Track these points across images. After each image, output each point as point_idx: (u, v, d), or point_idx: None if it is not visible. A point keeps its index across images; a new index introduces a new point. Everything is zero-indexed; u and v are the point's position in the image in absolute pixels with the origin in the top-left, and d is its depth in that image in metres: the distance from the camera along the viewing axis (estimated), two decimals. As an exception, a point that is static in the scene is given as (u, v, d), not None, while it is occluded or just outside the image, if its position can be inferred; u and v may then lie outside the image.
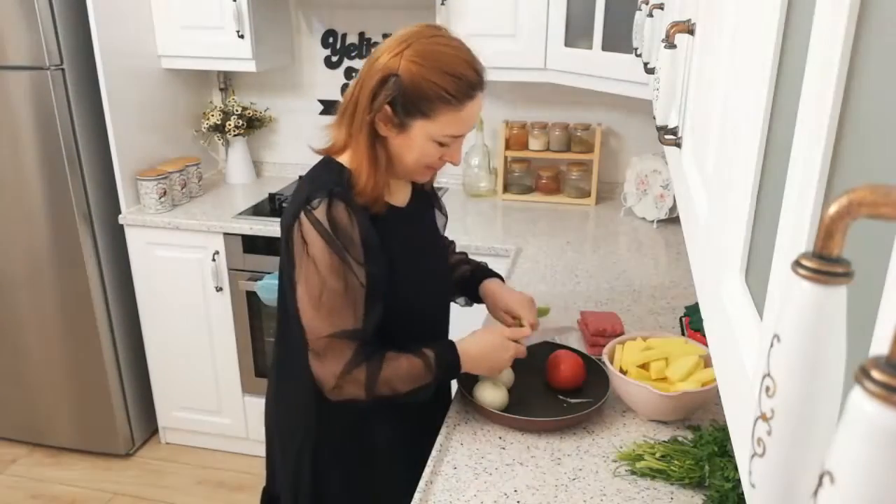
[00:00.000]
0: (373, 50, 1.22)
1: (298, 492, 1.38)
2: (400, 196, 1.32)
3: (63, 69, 2.34)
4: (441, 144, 1.20)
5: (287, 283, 1.26)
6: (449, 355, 1.28)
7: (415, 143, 1.18)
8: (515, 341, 1.35)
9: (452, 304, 1.56)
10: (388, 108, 1.15)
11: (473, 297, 1.54)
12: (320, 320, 1.18)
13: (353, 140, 1.20)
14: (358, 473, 1.37)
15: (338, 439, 1.35)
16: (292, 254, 1.19)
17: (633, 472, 1.22)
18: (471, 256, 2.21)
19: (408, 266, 1.28)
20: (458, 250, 1.66)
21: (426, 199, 1.43)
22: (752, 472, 0.32)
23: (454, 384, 1.44)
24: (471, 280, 1.54)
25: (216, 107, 2.91)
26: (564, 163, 2.74)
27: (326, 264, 1.15)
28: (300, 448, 1.35)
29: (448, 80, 1.14)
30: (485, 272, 1.56)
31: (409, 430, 1.39)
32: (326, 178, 1.21)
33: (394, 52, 1.15)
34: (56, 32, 2.30)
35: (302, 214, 1.16)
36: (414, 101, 1.14)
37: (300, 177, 1.34)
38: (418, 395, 1.25)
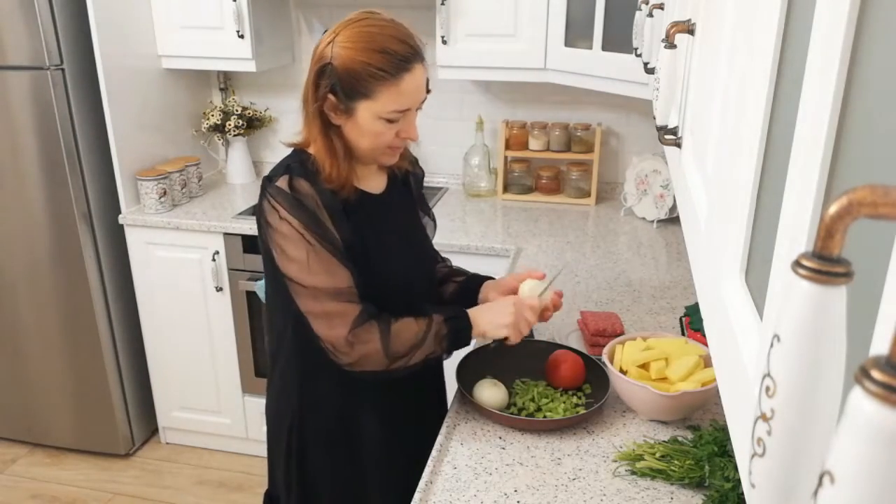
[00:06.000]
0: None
1: (290, 487, 1.40)
2: (373, 183, 1.34)
3: (63, 69, 2.34)
4: (390, 121, 1.21)
5: (269, 275, 1.28)
6: (453, 309, 1.31)
7: (364, 125, 1.21)
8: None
9: None
10: (331, 96, 1.19)
11: (470, 304, 1.50)
12: (318, 281, 1.19)
13: (310, 133, 1.25)
14: (345, 466, 1.39)
15: (324, 429, 1.37)
16: (266, 237, 1.22)
17: (633, 472, 1.22)
18: (471, 256, 2.23)
19: (381, 252, 1.30)
20: (453, 264, 1.63)
21: (407, 192, 1.44)
22: (752, 472, 0.32)
23: (452, 387, 1.44)
24: (463, 289, 1.51)
25: (216, 107, 2.91)
26: (564, 163, 2.74)
27: (302, 227, 1.18)
28: (288, 437, 1.37)
29: (377, 56, 1.17)
30: (478, 278, 1.53)
31: (396, 424, 1.40)
32: (286, 161, 1.27)
33: (326, 42, 1.20)
34: (56, 32, 2.30)
35: (265, 191, 1.21)
36: (351, 83, 1.17)
37: None
38: (430, 354, 1.25)
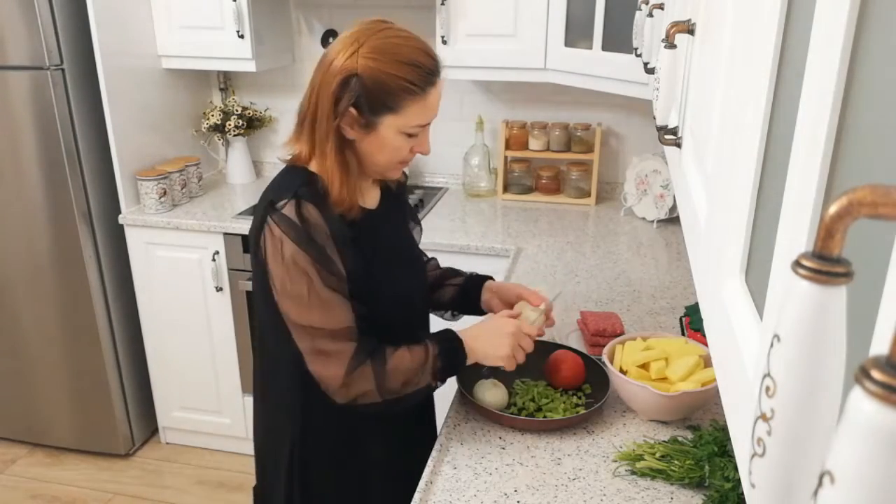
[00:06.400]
0: (322, 56, 1.19)
1: (291, 501, 1.35)
2: (370, 198, 1.30)
3: (63, 69, 2.34)
4: (410, 136, 1.18)
5: (260, 296, 1.21)
6: (447, 334, 1.26)
7: (385, 140, 1.16)
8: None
9: (438, 319, 1.53)
10: (353, 110, 1.13)
11: (471, 307, 1.48)
12: (315, 320, 1.14)
13: (317, 150, 1.18)
14: (349, 485, 1.35)
15: (326, 460, 1.32)
16: (265, 263, 1.15)
17: (633, 472, 1.22)
18: (471, 256, 2.23)
19: (384, 267, 1.26)
20: (451, 264, 1.60)
21: (397, 201, 1.40)
22: (752, 472, 0.32)
23: (452, 387, 1.44)
24: (463, 292, 1.49)
25: (216, 107, 2.91)
26: (564, 163, 2.74)
27: (305, 261, 1.12)
28: (289, 459, 1.32)
29: (408, 70, 1.13)
30: (477, 279, 1.50)
31: (399, 447, 1.37)
32: (291, 181, 1.18)
33: (348, 53, 1.12)
34: (56, 32, 2.30)
35: (269, 217, 1.13)
36: (379, 97, 1.12)
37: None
38: (424, 387, 1.22)
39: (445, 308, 1.52)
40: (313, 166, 1.20)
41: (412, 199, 2.62)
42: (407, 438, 1.40)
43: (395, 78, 1.12)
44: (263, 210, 1.15)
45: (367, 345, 1.18)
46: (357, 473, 1.35)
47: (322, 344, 1.16)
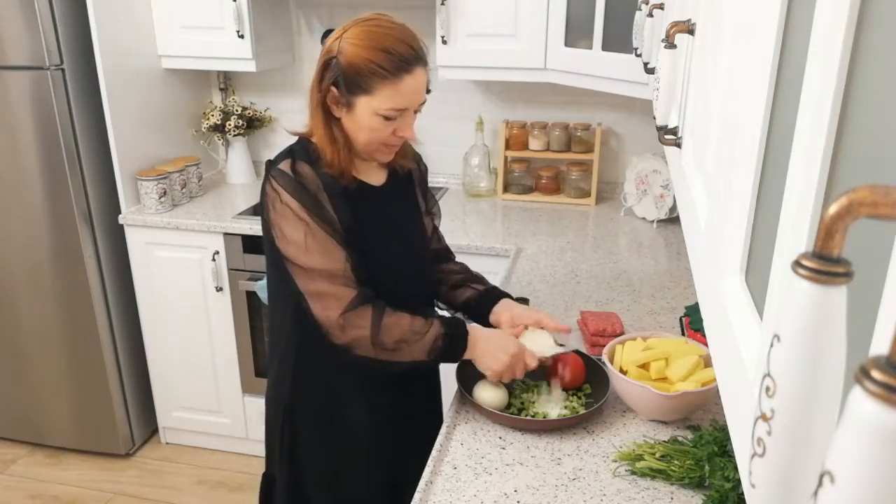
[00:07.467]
0: None
1: (282, 467, 1.45)
2: (374, 176, 1.38)
3: (63, 69, 2.34)
4: (388, 119, 1.25)
5: (269, 256, 1.33)
6: (457, 323, 1.34)
7: (362, 120, 1.25)
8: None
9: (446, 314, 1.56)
10: (334, 89, 1.24)
11: (482, 315, 1.50)
12: (314, 262, 1.24)
13: (312, 122, 1.30)
14: (331, 450, 1.43)
15: (313, 413, 1.41)
16: (268, 218, 1.27)
17: (633, 472, 1.22)
18: (471, 256, 2.23)
19: (375, 237, 1.33)
20: (460, 261, 1.63)
21: (409, 188, 1.47)
22: (752, 472, 0.32)
23: (452, 387, 1.44)
24: (481, 298, 1.51)
25: (216, 107, 2.91)
26: (564, 163, 2.74)
27: (301, 208, 1.23)
28: (283, 421, 1.42)
29: (381, 55, 1.21)
30: (499, 292, 1.53)
31: (384, 409, 1.44)
32: (290, 147, 1.32)
33: (335, 37, 1.25)
34: (56, 32, 2.30)
35: (269, 174, 1.27)
36: (353, 78, 1.22)
37: None
38: (415, 359, 1.29)
39: (457, 308, 1.55)
40: (314, 138, 1.31)
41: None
42: (394, 411, 1.45)
43: (366, 62, 1.21)
44: (266, 170, 1.29)
45: (367, 292, 1.27)
46: (339, 438, 1.42)
47: (321, 285, 1.25)
